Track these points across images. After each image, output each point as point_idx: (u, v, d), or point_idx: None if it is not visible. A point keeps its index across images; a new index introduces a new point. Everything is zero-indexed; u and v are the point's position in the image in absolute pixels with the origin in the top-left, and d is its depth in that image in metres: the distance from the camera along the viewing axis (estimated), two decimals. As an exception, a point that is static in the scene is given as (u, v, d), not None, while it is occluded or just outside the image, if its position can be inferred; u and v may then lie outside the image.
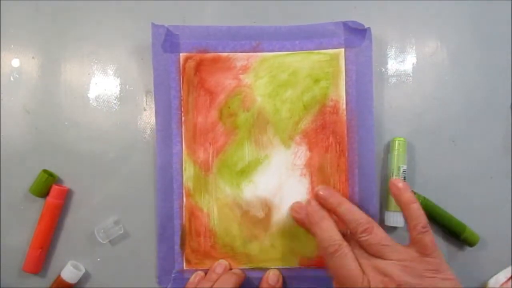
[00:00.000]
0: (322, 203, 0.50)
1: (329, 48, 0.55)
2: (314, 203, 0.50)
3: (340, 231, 0.47)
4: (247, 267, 0.55)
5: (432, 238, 0.46)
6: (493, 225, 0.55)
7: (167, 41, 0.55)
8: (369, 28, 0.54)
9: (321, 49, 0.55)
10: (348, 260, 0.45)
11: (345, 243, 0.46)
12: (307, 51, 0.55)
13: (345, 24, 0.55)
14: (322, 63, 0.55)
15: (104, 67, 0.57)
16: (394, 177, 0.53)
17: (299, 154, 0.55)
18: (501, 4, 0.57)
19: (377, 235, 0.46)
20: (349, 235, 0.48)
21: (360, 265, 0.45)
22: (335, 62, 0.55)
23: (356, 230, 0.47)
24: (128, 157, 0.56)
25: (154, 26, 0.55)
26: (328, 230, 0.47)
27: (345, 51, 0.55)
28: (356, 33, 0.55)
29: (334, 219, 0.49)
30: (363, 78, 0.55)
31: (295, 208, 0.53)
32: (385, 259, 0.46)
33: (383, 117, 0.56)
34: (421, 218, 0.47)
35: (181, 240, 0.55)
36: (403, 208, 0.48)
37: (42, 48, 0.57)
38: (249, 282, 0.54)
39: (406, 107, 0.56)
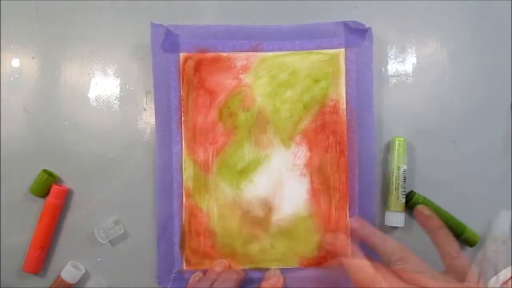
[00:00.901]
0: (354, 234, 0.50)
1: (329, 48, 0.55)
2: (343, 237, 0.51)
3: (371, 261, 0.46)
4: (247, 267, 0.55)
5: (468, 263, 0.45)
6: (493, 225, 0.55)
7: (167, 40, 0.55)
8: (370, 28, 0.55)
9: (321, 49, 0.55)
10: None
11: (378, 276, 0.44)
12: (307, 51, 0.55)
13: (345, 24, 0.55)
14: (322, 63, 0.55)
15: (104, 67, 0.57)
16: (394, 177, 0.53)
17: (299, 154, 0.55)
18: (501, 4, 0.57)
19: (412, 263, 0.45)
20: (383, 264, 0.47)
21: None
22: (335, 62, 0.55)
23: (391, 259, 0.46)
24: (128, 157, 0.56)
25: (153, 25, 0.55)
26: (361, 266, 0.45)
27: (345, 51, 0.55)
28: (356, 33, 0.55)
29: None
30: (363, 78, 0.55)
31: (328, 240, 0.53)
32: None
33: (383, 117, 0.56)
34: (452, 244, 0.46)
35: (181, 240, 0.55)
36: (431, 235, 0.47)
37: (42, 48, 0.57)
38: (249, 282, 0.54)
39: (406, 107, 0.56)
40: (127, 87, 0.56)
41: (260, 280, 0.54)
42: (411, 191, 0.55)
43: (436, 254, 0.55)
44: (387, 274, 0.45)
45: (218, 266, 0.53)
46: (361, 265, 0.45)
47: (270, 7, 0.57)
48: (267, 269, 0.54)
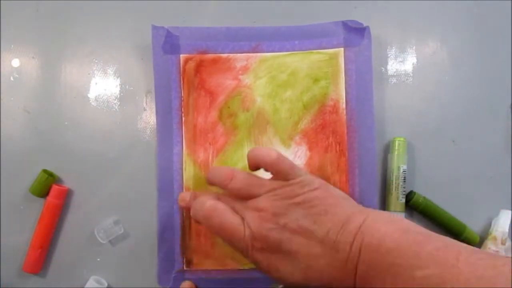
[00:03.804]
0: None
1: (329, 48, 0.55)
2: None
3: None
4: (247, 267, 0.55)
5: (288, 163, 0.45)
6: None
7: (167, 42, 0.55)
8: (368, 27, 0.55)
9: (320, 49, 0.55)
10: (226, 215, 0.43)
11: (218, 202, 0.45)
12: (307, 51, 0.55)
13: (344, 24, 0.55)
14: (321, 62, 0.55)
15: (104, 67, 0.57)
16: (394, 177, 0.53)
17: (299, 154, 0.55)
18: (501, 4, 0.57)
19: (239, 178, 0.45)
20: (224, 194, 0.47)
21: (238, 213, 0.44)
22: (335, 62, 0.55)
23: (222, 184, 0.46)
24: (128, 157, 0.56)
25: (154, 27, 0.55)
26: (198, 199, 0.46)
27: (344, 50, 0.55)
28: (355, 32, 0.55)
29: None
30: (363, 77, 0.55)
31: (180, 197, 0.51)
32: (256, 197, 0.44)
33: (383, 117, 0.56)
34: (266, 156, 0.45)
35: (181, 240, 0.55)
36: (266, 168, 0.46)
37: (42, 48, 0.57)
38: (249, 282, 0.54)
39: (406, 107, 0.56)
40: (127, 87, 0.57)
41: (260, 280, 0.54)
42: (411, 191, 0.55)
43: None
44: (229, 200, 0.46)
45: None
46: (198, 197, 0.46)
47: (269, 8, 0.57)
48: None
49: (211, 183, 0.47)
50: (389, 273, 0.37)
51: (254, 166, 0.47)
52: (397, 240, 0.38)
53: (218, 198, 0.46)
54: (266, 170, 0.46)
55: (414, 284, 0.35)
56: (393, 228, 0.39)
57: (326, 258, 0.40)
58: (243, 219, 0.43)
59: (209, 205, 0.44)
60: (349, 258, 0.39)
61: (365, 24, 0.55)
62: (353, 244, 0.39)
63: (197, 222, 0.46)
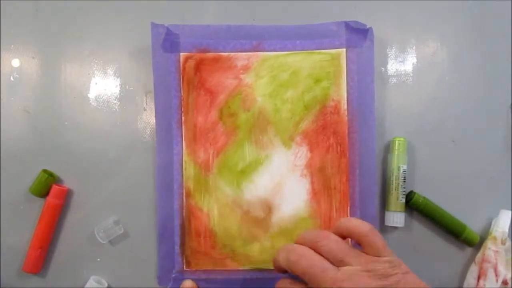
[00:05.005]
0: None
1: (331, 48, 0.55)
2: None
3: None
4: (247, 268, 0.55)
5: (381, 238, 0.44)
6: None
7: (167, 40, 0.55)
8: (371, 28, 0.55)
9: (322, 49, 0.55)
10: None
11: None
12: (308, 51, 0.55)
13: (346, 24, 0.55)
14: (323, 63, 0.55)
15: (104, 67, 0.57)
16: (394, 177, 0.53)
17: (300, 154, 0.55)
18: (501, 4, 0.57)
19: (333, 239, 0.44)
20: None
21: None
22: (337, 62, 0.55)
23: (314, 240, 0.44)
24: (128, 157, 0.56)
25: (153, 25, 0.55)
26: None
27: (346, 51, 0.55)
28: (357, 33, 0.55)
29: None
30: (364, 79, 0.55)
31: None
32: (346, 266, 0.42)
33: (383, 117, 0.56)
34: (360, 226, 0.44)
35: (181, 240, 0.55)
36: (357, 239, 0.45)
37: (42, 48, 0.57)
38: (249, 282, 0.54)
39: (406, 107, 0.56)
40: (127, 87, 0.56)
41: (260, 281, 0.54)
42: (411, 191, 0.55)
43: (436, 254, 0.55)
44: None
45: None
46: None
47: (270, 7, 0.57)
48: (267, 270, 0.54)
49: (302, 242, 0.45)
50: None
51: (342, 235, 0.45)
52: None
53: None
54: (357, 242, 0.44)
55: None
56: None
57: None
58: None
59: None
60: None
61: (365, 24, 0.55)
62: None
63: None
